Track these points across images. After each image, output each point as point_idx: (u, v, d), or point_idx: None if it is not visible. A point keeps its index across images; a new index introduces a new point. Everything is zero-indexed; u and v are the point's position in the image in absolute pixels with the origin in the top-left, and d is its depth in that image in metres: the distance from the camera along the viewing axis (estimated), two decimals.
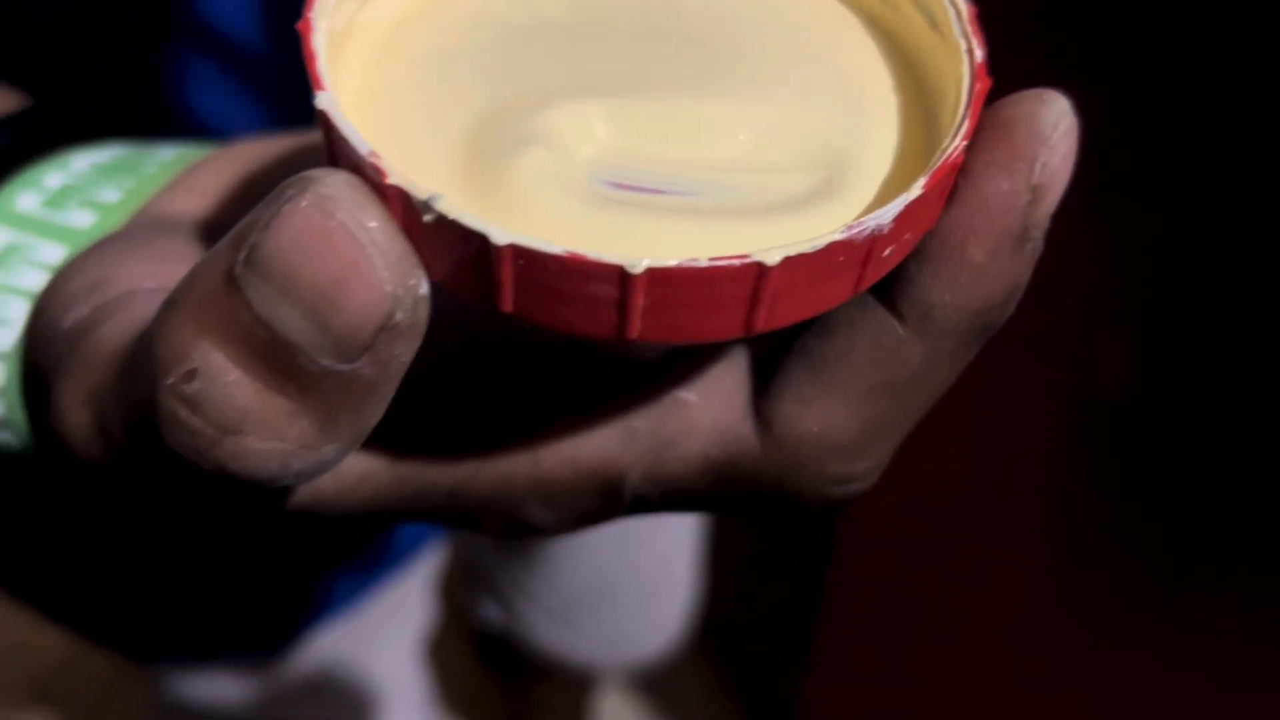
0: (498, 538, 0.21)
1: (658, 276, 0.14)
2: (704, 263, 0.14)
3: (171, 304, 0.15)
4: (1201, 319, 0.54)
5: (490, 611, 0.80)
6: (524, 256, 0.15)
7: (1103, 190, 0.54)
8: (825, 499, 0.19)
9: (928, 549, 0.82)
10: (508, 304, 0.15)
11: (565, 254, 0.14)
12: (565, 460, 0.19)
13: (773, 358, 0.19)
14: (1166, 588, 0.63)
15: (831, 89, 0.18)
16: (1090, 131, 0.18)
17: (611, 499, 0.20)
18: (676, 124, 0.17)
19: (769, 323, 0.16)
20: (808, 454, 0.18)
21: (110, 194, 0.23)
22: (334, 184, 0.14)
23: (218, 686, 0.57)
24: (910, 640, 0.89)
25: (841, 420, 0.18)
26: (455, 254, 0.15)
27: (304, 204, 0.14)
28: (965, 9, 0.18)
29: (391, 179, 0.15)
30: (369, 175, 0.15)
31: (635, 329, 0.15)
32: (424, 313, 0.15)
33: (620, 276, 0.14)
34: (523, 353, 0.20)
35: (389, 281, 0.14)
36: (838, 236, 0.15)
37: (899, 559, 0.85)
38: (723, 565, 0.91)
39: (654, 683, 1.22)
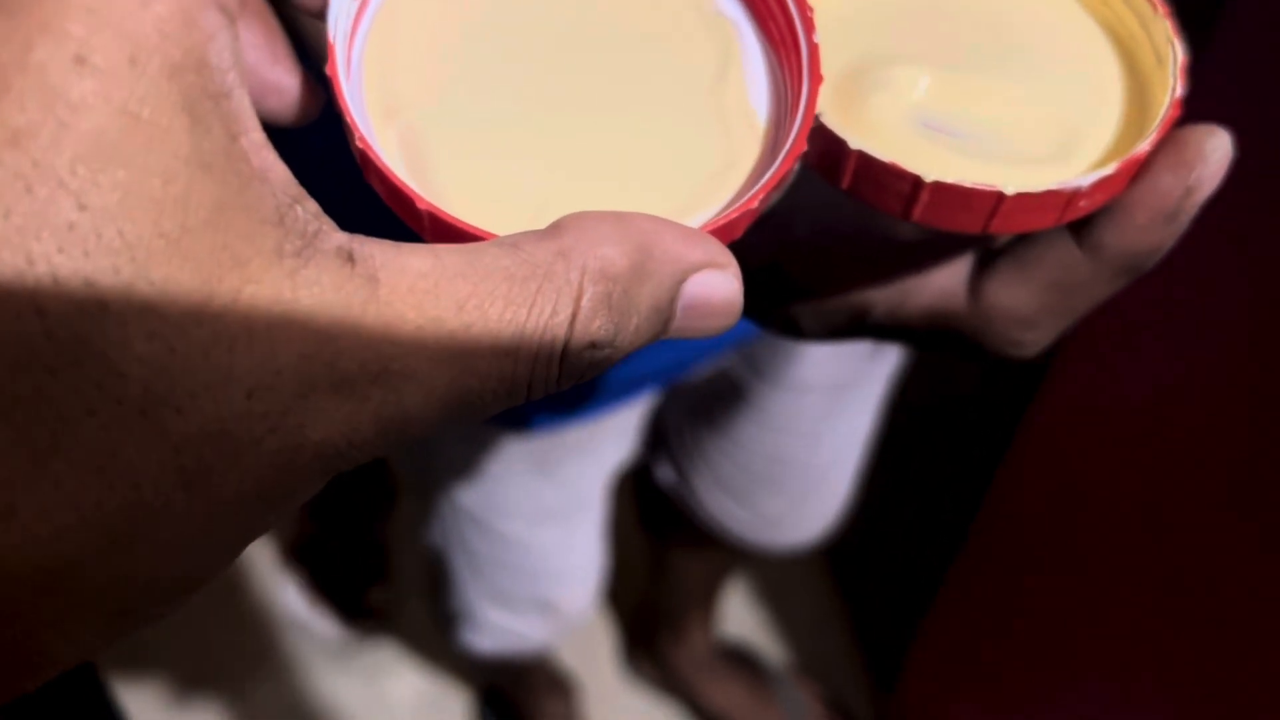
0: (773, 332, 0.31)
1: (939, 186, 0.23)
2: (968, 183, 0.23)
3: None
4: None
5: (665, 472, 0.88)
6: (864, 157, 0.23)
7: None
8: (1001, 352, 0.28)
9: (1077, 533, 0.82)
10: (846, 183, 0.24)
11: (889, 161, 0.23)
12: (838, 294, 0.28)
13: (989, 257, 0.28)
14: None
15: (1077, 83, 0.26)
16: None
17: (857, 322, 0.29)
18: (970, 91, 0.26)
19: (997, 229, 0.24)
20: (997, 318, 0.27)
21: None
22: None
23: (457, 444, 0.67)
24: (1037, 616, 0.89)
25: (1025, 301, 0.27)
26: (825, 148, 0.24)
27: None
28: (1181, 58, 0.25)
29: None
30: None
31: (917, 214, 0.24)
32: (791, 179, 0.24)
33: (917, 181, 0.23)
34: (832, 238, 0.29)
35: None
36: (1052, 187, 0.23)
37: (1044, 537, 0.85)
38: (868, 500, 0.95)
39: (775, 598, 1.29)
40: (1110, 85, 0.26)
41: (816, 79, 0.23)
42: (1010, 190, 0.23)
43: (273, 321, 0.16)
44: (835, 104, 0.25)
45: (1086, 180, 0.23)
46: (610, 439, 0.71)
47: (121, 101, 0.15)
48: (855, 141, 0.23)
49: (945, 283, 0.28)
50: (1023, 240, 0.27)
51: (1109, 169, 0.24)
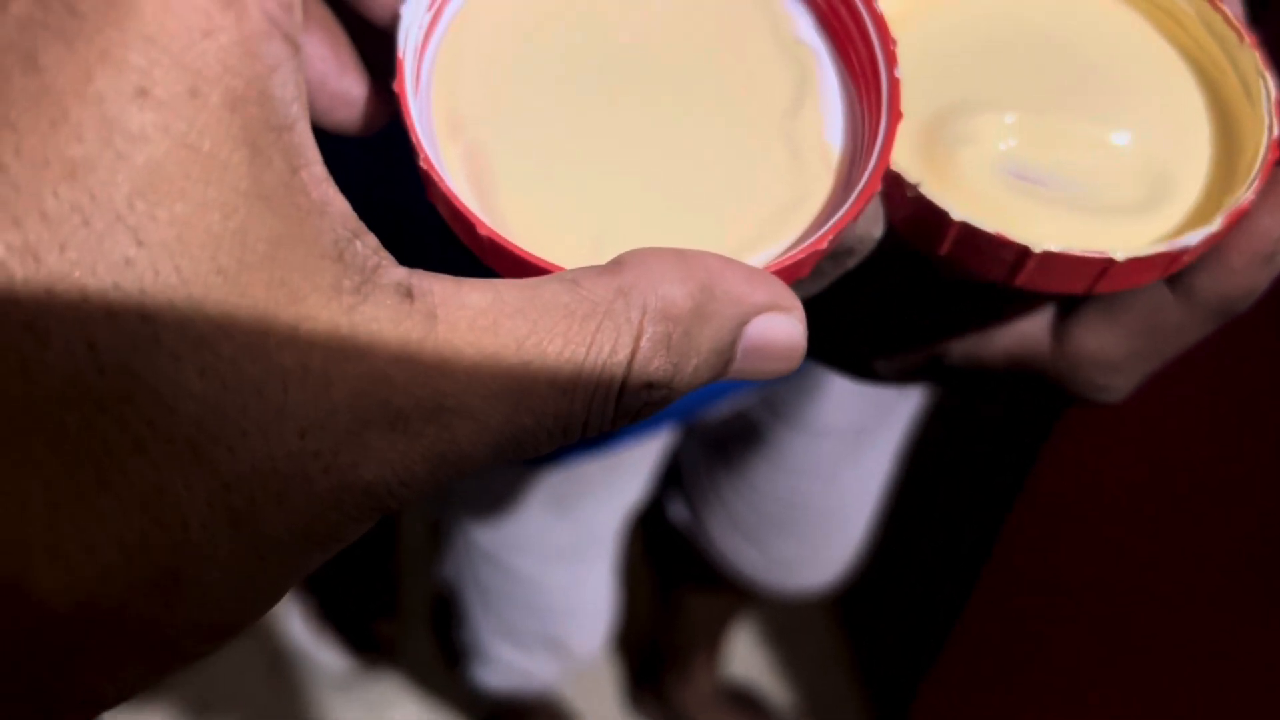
0: (844, 373, 0.30)
1: (1047, 255, 0.22)
2: (1077, 251, 0.22)
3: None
4: None
5: (678, 510, 0.87)
6: (967, 228, 0.22)
7: None
8: (1084, 397, 0.27)
9: (1090, 582, 0.81)
10: (944, 250, 0.23)
11: (994, 232, 0.22)
12: (914, 338, 0.28)
13: (1073, 300, 0.27)
14: None
15: (1163, 118, 0.25)
16: None
17: (933, 364, 0.28)
18: (1055, 135, 0.25)
19: (1102, 289, 0.23)
20: (1083, 363, 0.26)
21: None
22: None
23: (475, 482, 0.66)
24: (1048, 664, 0.90)
25: (1112, 345, 0.26)
26: (920, 216, 0.23)
27: None
28: (1274, 93, 0.24)
29: (892, 166, 0.23)
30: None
31: (1021, 280, 0.23)
32: (870, 248, 0.24)
33: (1024, 251, 0.22)
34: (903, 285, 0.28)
35: (861, 227, 0.23)
36: (1161, 249, 0.22)
37: (1056, 586, 0.85)
38: (877, 543, 0.94)
39: (782, 639, 1.28)
40: (1196, 119, 0.25)
41: (896, 115, 0.22)
42: (1120, 256, 0.22)
43: (328, 359, 0.16)
44: (919, 158, 0.24)
45: (1194, 239, 0.23)
46: (627, 477, 0.70)
47: (181, 134, 0.15)
48: (958, 212, 0.22)
49: (1027, 326, 0.27)
50: None
51: (1215, 225, 0.23)
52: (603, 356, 0.17)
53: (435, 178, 0.21)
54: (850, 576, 0.91)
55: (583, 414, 0.18)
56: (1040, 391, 0.28)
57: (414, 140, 0.21)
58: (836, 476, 0.79)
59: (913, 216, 0.23)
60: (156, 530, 0.15)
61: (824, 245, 0.21)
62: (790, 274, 0.21)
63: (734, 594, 0.99)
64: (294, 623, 1.20)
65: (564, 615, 0.78)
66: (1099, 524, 0.80)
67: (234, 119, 0.16)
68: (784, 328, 0.19)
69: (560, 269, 0.20)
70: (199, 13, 0.15)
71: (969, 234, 0.23)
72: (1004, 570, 0.92)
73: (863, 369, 0.30)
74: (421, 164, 0.21)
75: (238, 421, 0.15)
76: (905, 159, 0.24)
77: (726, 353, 0.19)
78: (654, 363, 0.18)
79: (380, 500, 0.17)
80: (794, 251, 0.21)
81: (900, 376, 0.29)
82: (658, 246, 0.19)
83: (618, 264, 0.18)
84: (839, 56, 0.25)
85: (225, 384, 0.15)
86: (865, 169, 0.22)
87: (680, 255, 0.19)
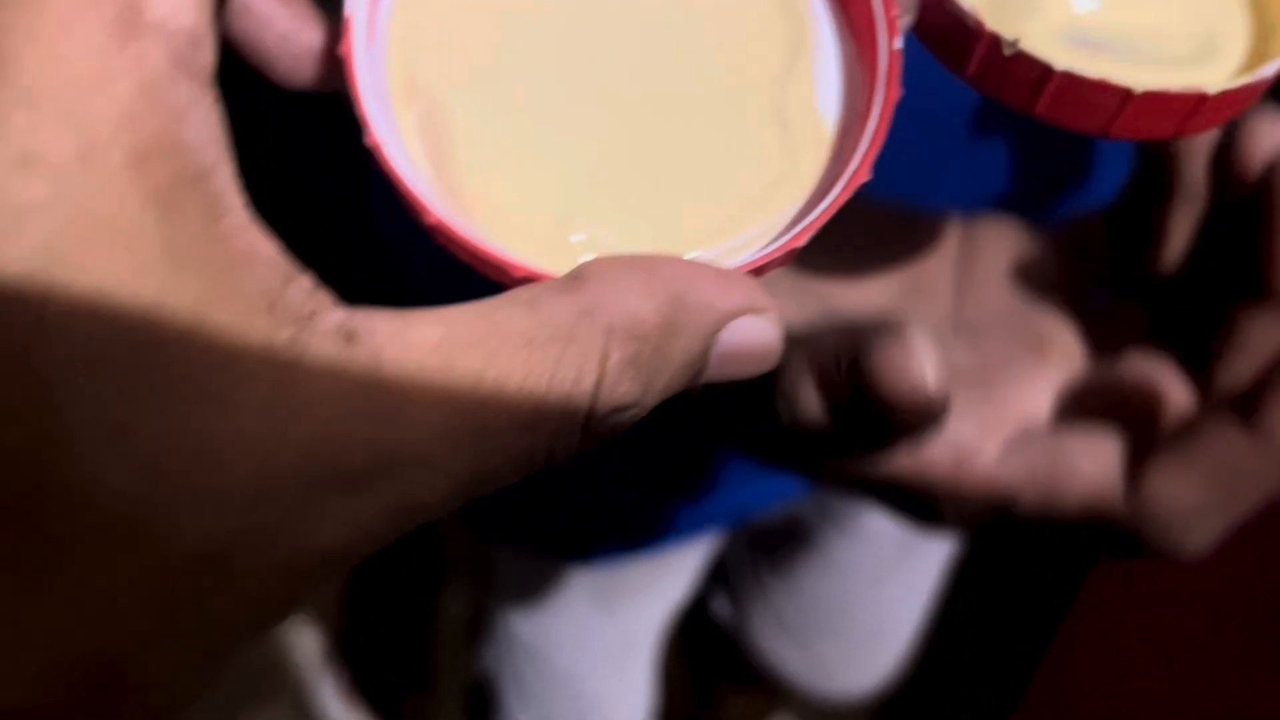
0: (910, 520, 0.29)
1: (1148, 95, 0.22)
2: (1176, 89, 0.22)
3: None
4: None
5: (721, 606, 0.86)
6: (1070, 77, 0.22)
7: None
8: (1162, 550, 0.26)
9: (1136, 694, 0.81)
10: (1040, 107, 0.22)
11: (1097, 78, 0.22)
12: (980, 480, 0.27)
13: (1146, 446, 0.26)
14: None
15: None
16: None
17: (1003, 513, 0.27)
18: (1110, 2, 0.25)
19: (1193, 129, 0.23)
20: (1160, 515, 0.25)
21: None
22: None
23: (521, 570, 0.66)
24: None
25: (1188, 494, 0.25)
26: (1016, 72, 0.22)
27: None
28: None
29: (988, 28, 0.22)
30: (970, 24, 0.22)
31: (1117, 128, 0.22)
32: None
33: (1126, 94, 0.22)
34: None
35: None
36: (1248, 81, 0.22)
37: (1102, 699, 0.84)
38: (923, 653, 0.92)
39: None
40: None
41: (894, 91, 0.20)
42: (1212, 90, 0.22)
43: (268, 424, 0.14)
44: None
45: (1271, 70, 0.23)
46: (673, 577, 0.70)
47: (78, 201, 0.14)
48: (1061, 63, 0.22)
49: (1098, 475, 0.26)
50: (1184, 432, 0.25)
51: (1268, 69, 0.23)
52: (566, 387, 0.16)
53: (383, 155, 0.19)
54: (893, 683, 0.89)
55: (545, 446, 0.17)
56: (1115, 545, 0.27)
57: (361, 114, 0.19)
58: (884, 580, 0.78)
59: (1002, 78, 0.23)
60: (88, 633, 0.14)
61: (801, 243, 0.20)
62: (765, 271, 0.20)
63: (773, 694, 0.98)
64: (325, 692, 1.19)
65: (601, 712, 0.77)
66: (1150, 640, 0.78)
67: (139, 177, 0.14)
68: (758, 330, 0.18)
69: (516, 264, 0.19)
70: (90, 60, 0.14)
71: (1071, 84, 0.22)
72: (1050, 685, 0.90)
73: (929, 514, 0.29)
74: (367, 141, 0.19)
75: (169, 507, 0.14)
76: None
77: (698, 363, 0.18)
78: (621, 386, 0.17)
79: (333, 565, 0.15)
80: (769, 250, 0.20)
81: (969, 525, 0.28)
82: (620, 256, 0.18)
83: (579, 279, 0.17)
84: (840, 13, 0.22)
85: (152, 469, 0.14)
86: (856, 150, 0.20)
87: (646, 265, 0.17)
